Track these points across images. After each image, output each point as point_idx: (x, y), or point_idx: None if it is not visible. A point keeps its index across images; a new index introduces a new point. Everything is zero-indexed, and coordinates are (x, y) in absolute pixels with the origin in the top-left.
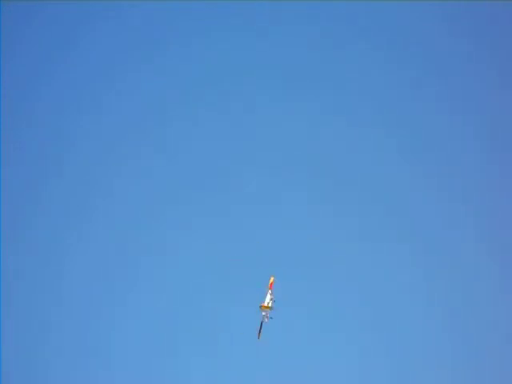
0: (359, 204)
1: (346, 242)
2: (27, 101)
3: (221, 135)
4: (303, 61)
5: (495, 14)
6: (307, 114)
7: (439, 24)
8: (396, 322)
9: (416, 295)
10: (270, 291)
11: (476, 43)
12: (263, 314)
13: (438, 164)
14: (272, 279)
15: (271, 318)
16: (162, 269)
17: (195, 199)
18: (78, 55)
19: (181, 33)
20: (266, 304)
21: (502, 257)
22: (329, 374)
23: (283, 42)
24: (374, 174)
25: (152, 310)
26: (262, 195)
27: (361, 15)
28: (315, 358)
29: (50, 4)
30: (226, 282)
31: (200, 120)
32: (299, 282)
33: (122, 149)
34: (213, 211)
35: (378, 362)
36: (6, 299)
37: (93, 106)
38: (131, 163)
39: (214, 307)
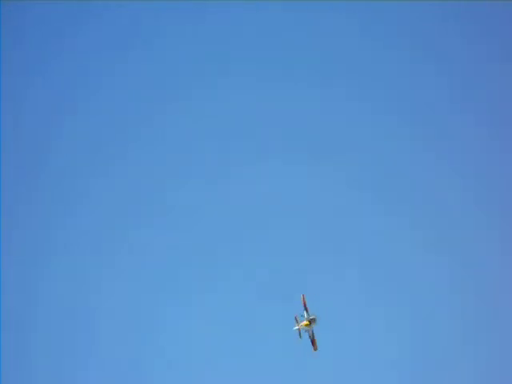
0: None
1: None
2: (27, 100)
3: (219, 126)
4: (305, 56)
5: (495, 15)
6: (309, 107)
7: (442, 23)
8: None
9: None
10: (305, 311)
11: (479, 43)
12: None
13: (441, 158)
14: (303, 297)
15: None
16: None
17: (192, 195)
18: (78, 55)
19: (181, 30)
20: (305, 322)
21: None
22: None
23: (284, 41)
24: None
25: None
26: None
27: (364, 13)
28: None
29: (50, 4)
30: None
31: (198, 111)
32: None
33: (120, 146)
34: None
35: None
36: (5, 300)
37: (92, 105)
38: (128, 158)
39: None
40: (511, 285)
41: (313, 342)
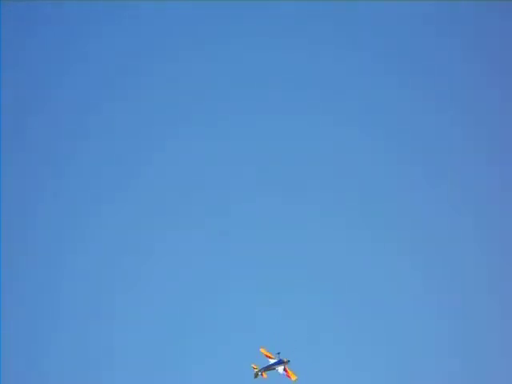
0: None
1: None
2: (27, 100)
3: (219, 138)
4: (302, 64)
5: (494, 14)
6: (307, 118)
7: (436, 25)
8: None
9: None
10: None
11: (473, 44)
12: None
13: (436, 165)
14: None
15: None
16: (163, 271)
17: (194, 199)
18: (78, 55)
19: (182, 37)
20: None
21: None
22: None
23: (282, 44)
24: (373, 175)
25: (152, 313)
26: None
27: (356, 17)
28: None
29: (50, 4)
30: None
31: (198, 123)
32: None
33: (123, 151)
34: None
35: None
36: (5, 300)
37: (93, 106)
38: (134, 165)
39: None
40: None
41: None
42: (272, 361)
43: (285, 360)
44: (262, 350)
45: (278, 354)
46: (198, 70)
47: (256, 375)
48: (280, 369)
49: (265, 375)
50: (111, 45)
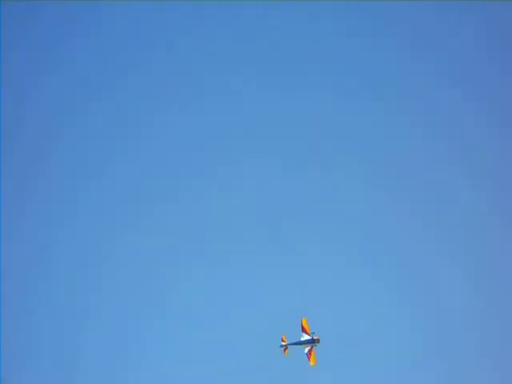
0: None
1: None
2: (26, 100)
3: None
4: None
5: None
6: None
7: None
8: None
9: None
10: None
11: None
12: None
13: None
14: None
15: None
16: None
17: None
18: (78, 55)
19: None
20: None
21: None
22: None
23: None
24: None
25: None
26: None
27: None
28: None
29: (50, 4)
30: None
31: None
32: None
33: (118, 147)
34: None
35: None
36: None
37: (93, 105)
38: (130, 158)
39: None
40: None
41: (310, 354)
42: (305, 337)
43: (316, 338)
44: (304, 321)
45: (313, 333)
46: (198, 70)
47: (283, 347)
48: (306, 349)
49: (287, 352)
50: (111, 43)
